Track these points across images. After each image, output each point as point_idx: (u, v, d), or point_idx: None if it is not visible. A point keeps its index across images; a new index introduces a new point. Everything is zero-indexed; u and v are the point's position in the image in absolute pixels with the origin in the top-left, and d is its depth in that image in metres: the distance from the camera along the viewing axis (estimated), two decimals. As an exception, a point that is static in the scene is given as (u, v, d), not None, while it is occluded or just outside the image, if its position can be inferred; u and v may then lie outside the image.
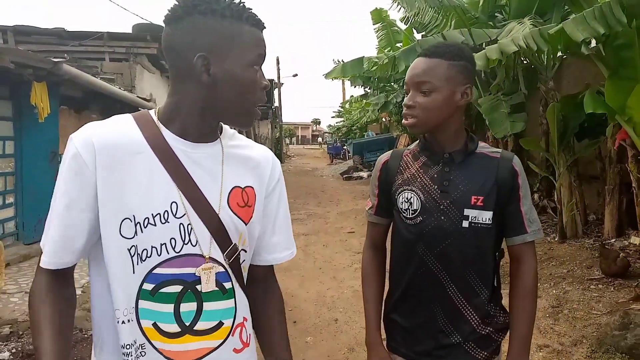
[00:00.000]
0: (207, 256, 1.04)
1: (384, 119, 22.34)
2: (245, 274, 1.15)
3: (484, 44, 6.14)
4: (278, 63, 31.72)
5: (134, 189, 1.00)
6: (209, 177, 1.06)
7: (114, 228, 0.99)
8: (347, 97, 38.80)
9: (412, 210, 1.44)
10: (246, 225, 1.10)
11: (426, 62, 1.39)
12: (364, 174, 19.57)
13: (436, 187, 1.42)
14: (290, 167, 26.81)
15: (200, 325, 1.04)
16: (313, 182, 18.28)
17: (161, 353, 1.02)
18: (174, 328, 1.02)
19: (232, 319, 1.09)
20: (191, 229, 1.03)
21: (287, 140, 49.51)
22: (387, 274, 1.59)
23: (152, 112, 1.09)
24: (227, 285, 1.08)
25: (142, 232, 0.99)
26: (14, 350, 3.32)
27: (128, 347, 1.01)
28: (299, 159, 36.12)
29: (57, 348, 0.95)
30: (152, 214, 1.00)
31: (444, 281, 1.41)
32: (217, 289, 1.06)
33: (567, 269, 5.18)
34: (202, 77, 1.00)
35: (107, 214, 0.99)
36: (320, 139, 70.08)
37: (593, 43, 4.12)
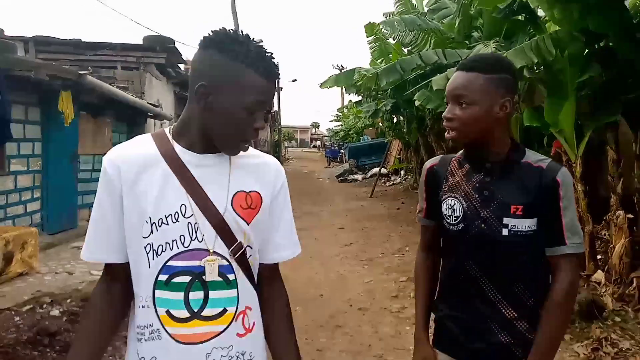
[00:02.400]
0: (211, 250, 1.14)
1: (380, 124, 23.17)
2: (254, 268, 1.23)
3: (461, 59, 6.98)
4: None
5: (150, 196, 1.13)
6: (215, 182, 1.16)
7: (136, 230, 1.13)
8: (346, 102, 39.70)
9: (454, 217, 1.44)
10: (248, 225, 1.18)
11: (464, 76, 1.38)
12: (359, 177, 20.34)
13: (477, 196, 1.41)
14: (288, 170, 27.45)
15: (207, 312, 1.14)
16: (310, 184, 19.10)
17: (173, 338, 1.12)
18: (184, 314, 1.12)
19: (235, 307, 1.17)
20: (197, 227, 1.13)
21: (286, 144, 50.25)
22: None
23: (167, 129, 1.22)
24: (231, 277, 1.16)
25: (157, 230, 1.12)
26: (60, 310, 4.13)
27: (142, 328, 1.15)
28: (297, 162, 36.82)
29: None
30: (165, 215, 1.12)
31: (484, 287, 1.40)
32: (220, 279, 1.15)
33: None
34: (200, 103, 1.11)
35: (131, 218, 1.14)
36: (318, 142, 70.75)
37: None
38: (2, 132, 5.33)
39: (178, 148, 1.17)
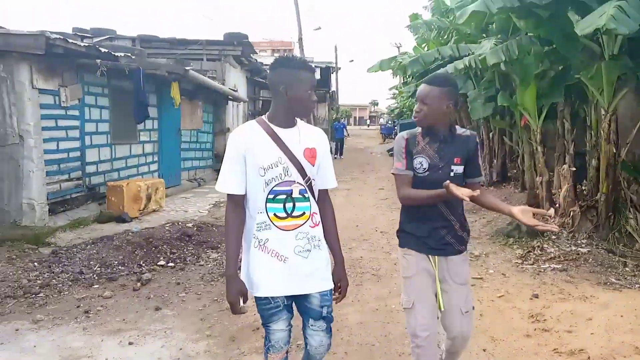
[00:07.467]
0: (296, 181, 2.01)
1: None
2: (315, 191, 2.09)
3: (470, 53, 8.80)
4: (336, 50, 34.16)
5: (261, 154, 1.98)
6: (295, 144, 2.02)
7: (255, 172, 1.99)
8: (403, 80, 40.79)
9: (422, 169, 2.26)
10: (313, 166, 2.05)
11: (426, 87, 2.25)
12: (408, 151, 21.98)
13: (436, 155, 2.26)
14: (345, 146, 29.59)
15: (295, 213, 2.02)
16: (362, 157, 21.16)
17: (277, 227, 2.00)
18: (283, 215, 2.01)
19: (309, 211, 2.05)
20: (288, 169, 2.00)
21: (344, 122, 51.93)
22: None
23: (264, 116, 2.07)
24: (306, 195, 2.05)
25: (267, 173, 1.98)
26: (192, 224, 6.62)
27: (259, 224, 2.02)
28: (354, 139, 38.45)
29: (236, 246, 2.01)
30: (270, 164, 1.98)
31: (441, 208, 2.28)
32: (301, 196, 2.03)
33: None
34: (285, 97, 1.97)
35: (251, 166, 1.99)
36: (379, 120, 71.68)
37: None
38: (143, 113, 7.89)
39: (273, 126, 2.03)
